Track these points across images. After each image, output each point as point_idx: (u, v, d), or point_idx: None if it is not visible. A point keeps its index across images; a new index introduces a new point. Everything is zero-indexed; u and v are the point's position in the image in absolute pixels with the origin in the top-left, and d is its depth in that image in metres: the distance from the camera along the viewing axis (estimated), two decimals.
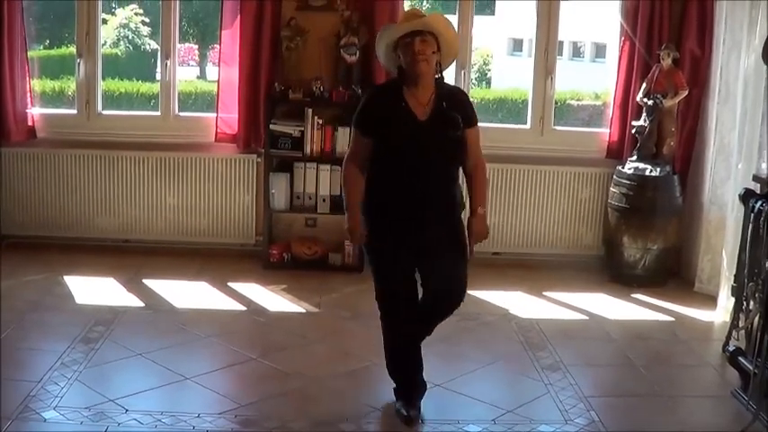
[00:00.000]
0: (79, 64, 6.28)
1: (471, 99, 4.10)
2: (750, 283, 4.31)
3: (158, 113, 6.46)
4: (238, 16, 6.07)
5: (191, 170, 6.33)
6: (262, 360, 4.62)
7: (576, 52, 13.36)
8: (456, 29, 3.95)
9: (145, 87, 8.85)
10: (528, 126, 6.50)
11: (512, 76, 12.22)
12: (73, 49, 6.46)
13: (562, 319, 5.50)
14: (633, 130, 6.13)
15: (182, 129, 6.39)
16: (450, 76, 6.52)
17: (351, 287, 5.81)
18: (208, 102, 7.41)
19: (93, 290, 5.60)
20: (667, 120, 6.02)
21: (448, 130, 3.81)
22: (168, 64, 6.35)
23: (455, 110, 3.84)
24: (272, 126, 6.05)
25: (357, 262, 6.12)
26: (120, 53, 10.71)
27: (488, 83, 13.37)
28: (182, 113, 6.52)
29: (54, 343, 4.67)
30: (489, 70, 13.80)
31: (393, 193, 3.87)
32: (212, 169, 6.34)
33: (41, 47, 8.62)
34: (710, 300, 5.66)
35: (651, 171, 6.00)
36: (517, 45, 13.67)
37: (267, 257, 6.19)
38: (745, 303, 4.39)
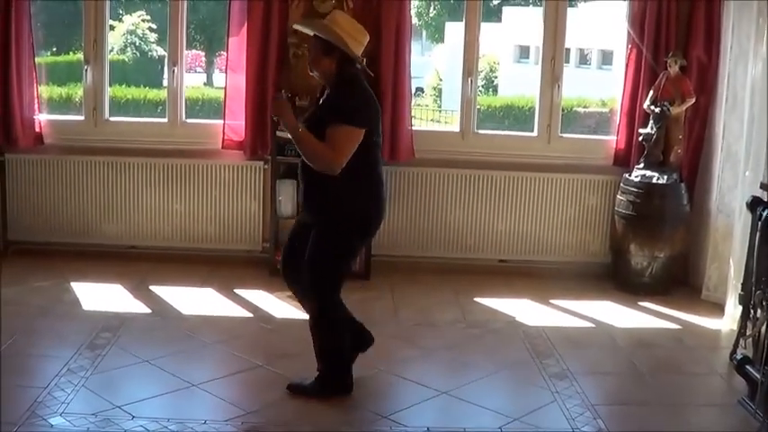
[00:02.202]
0: (86, 70, 6.30)
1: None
2: (757, 291, 4.30)
3: (165, 120, 6.47)
4: (245, 23, 6.08)
5: (197, 177, 6.34)
6: (268, 367, 4.62)
7: (583, 59, 13.39)
8: (335, 19, 4.11)
9: (152, 94, 8.89)
10: (535, 133, 6.49)
11: (518, 83, 12.25)
12: (80, 55, 6.48)
13: (569, 326, 5.49)
14: (640, 138, 6.12)
15: (189, 135, 6.40)
16: (456, 82, 6.53)
17: (357, 294, 5.75)
18: (215, 108, 7.43)
19: (100, 296, 5.60)
20: (674, 127, 6.02)
21: (309, 121, 4.06)
22: (175, 70, 6.36)
23: (328, 103, 4.07)
24: (278, 133, 6.03)
25: (363, 269, 6.11)
26: (127, 59, 10.77)
27: (495, 90, 13.41)
28: (189, 120, 6.53)
29: (61, 349, 4.67)
30: (496, 77, 13.83)
31: None
32: (219, 176, 6.34)
33: (49, 53, 8.68)
34: (718, 308, 5.65)
35: (658, 179, 5.99)
36: (524, 52, 13.71)
37: (274, 264, 6.18)
38: (752, 311, 4.38)
